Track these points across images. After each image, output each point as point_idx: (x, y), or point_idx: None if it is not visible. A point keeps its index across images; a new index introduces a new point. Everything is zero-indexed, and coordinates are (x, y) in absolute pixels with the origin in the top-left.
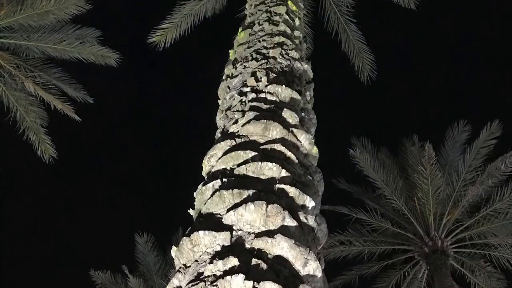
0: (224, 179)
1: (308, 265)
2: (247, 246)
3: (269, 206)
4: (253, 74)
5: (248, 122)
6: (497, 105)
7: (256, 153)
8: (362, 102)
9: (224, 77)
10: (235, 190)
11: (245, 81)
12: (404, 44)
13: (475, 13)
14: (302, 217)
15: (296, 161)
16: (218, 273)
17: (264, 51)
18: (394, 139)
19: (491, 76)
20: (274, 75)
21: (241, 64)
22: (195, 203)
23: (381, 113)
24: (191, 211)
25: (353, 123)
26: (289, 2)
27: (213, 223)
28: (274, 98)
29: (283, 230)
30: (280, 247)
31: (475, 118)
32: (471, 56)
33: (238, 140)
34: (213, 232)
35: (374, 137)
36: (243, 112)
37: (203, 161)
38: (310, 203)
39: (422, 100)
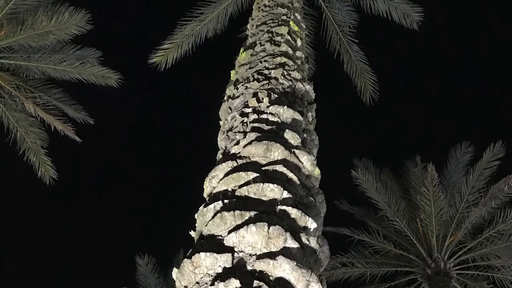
0: (226, 201)
1: (310, 287)
2: (249, 268)
3: (271, 227)
4: (255, 95)
5: (250, 143)
6: (500, 126)
7: (258, 175)
8: (365, 123)
9: (225, 98)
10: (237, 212)
11: (247, 102)
12: (406, 65)
13: (478, 33)
14: (304, 239)
15: (298, 182)
16: None
17: (266, 71)
18: (396, 160)
19: (494, 97)
20: (276, 96)
21: (242, 85)
22: (196, 224)
23: (383, 134)
24: (192, 233)
25: (355, 144)
26: (291, 23)
27: (214, 244)
28: (275, 119)
29: (285, 252)
30: (282, 269)
31: (478, 139)
32: (474, 77)
33: (240, 161)
34: (215, 254)
35: (377, 158)
36: (245, 133)
37: (204, 182)
38: (312, 224)
39: (424, 121)
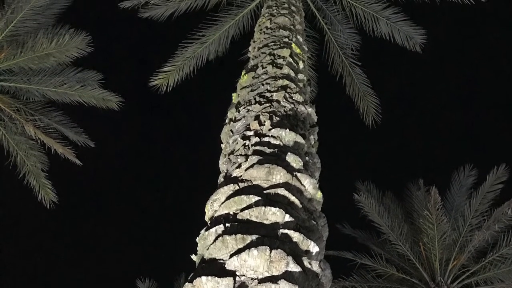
0: (227, 224)
1: None
2: None
3: (273, 251)
4: (257, 117)
5: (252, 166)
6: (504, 149)
7: (260, 198)
8: (367, 145)
9: (227, 121)
10: (238, 235)
11: (249, 124)
12: (409, 87)
13: (481, 56)
14: (306, 263)
15: (300, 206)
16: None
17: (268, 94)
18: (399, 183)
19: (498, 120)
20: (278, 118)
21: (244, 108)
22: (197, 248)
23: (386, 157)
24: (193, 257)
25: (358, 167)
26: (293, 45)
27: (216, 268)
28: (277, 142)
29: (287, 276)
30: None
31: (481, 163)
32: (477, 99)
33: (241, 185)
34: (216, 278)
35: (379, 181)
36: (247, 156)
37: (206, 206)
38: (314, 248)
39: (427, 143)
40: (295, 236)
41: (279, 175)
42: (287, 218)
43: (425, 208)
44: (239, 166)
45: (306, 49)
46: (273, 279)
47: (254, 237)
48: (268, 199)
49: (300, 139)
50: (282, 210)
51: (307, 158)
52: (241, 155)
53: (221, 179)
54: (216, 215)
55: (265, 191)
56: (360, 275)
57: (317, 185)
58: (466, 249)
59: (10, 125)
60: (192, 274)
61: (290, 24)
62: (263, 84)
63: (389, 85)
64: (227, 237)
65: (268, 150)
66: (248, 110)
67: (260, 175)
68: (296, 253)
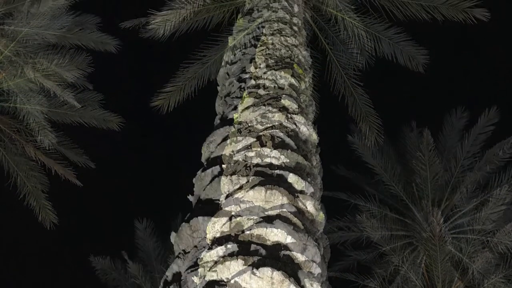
0: (229, 246)
1: None
2: None
3: (274, 272)
4: (258, 138)
5: (253, 187)
6: (495, 91)
7: (261, 219)
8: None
9: (228, 142)
10: (240, 257)
11: (250, 145)
12: (411, 106)
13: (483, 75)
14: (308, 285)
15: (302, 227)
16: None
17: (270, 115)
18: (392, 125)
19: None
20: (280, 139)
21: (245, 129)
22: (198, 270)
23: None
24: (195, 278)
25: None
26: (295, 66)
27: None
28: (279, 163)
29: None
30: None
31: (473, 105)
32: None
33: (243, 206)
34: (212, 217)
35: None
36: (248, 178)
37: (202, 147)
38: (316, 270)
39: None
40: (297, 257)
41: (281, 197)
42: (289, 239)
43: (418, 149)
44: (241, 188)
45: (308, 69)
46: None
47: (255, 258)
48: (270, 221)
49: (301, 160)
50: (284, 231)
51: (309, 179)
52: (236, 97)
53: (217, 121)
54: (212, 156)
55: (266, 213)
56: (354, 216)
57: (319, 206)
58: (458, 190)
59: (10, 146)
60: (189, 214)
61: (292, 44)
62: (265, 105)
63: (391, 105)
64: (228, 258)
65: (269, 171)
66: (250, 131)
67: (262, 197)
68: (298, 275)
